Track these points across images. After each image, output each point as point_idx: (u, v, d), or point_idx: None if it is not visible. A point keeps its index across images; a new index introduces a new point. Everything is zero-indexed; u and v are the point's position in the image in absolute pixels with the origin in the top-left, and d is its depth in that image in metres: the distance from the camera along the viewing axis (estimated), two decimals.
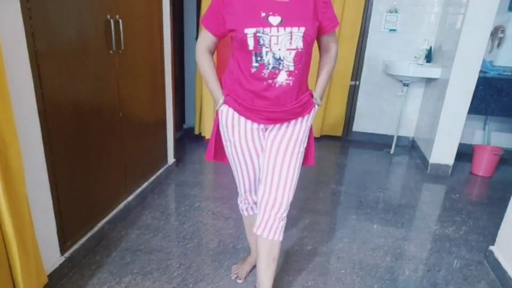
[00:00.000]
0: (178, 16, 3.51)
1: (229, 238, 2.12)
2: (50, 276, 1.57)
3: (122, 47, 1.97)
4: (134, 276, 1.77)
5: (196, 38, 1.43)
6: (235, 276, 1.80)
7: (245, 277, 1.79)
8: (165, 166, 2.83)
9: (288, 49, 1.24)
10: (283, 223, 1.45)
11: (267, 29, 1.20)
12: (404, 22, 3.53)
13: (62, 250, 1.70)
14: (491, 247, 2.00)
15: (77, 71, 1.67)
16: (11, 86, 1.23)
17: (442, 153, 3.13)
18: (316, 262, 1.95)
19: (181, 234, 2.14)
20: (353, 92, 3.83)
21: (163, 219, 2.29)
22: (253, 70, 1.27)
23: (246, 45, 1.22)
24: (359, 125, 3.98)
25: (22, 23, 1.33)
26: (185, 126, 4.06)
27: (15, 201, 1.24)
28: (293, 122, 1.40)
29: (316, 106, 1.44)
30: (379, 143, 3.86)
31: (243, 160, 1.46)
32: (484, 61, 3.02)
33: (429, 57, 3.42)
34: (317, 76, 1.47)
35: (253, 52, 1.24)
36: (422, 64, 3.35)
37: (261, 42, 1.22)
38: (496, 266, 1.90)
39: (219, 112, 1.40)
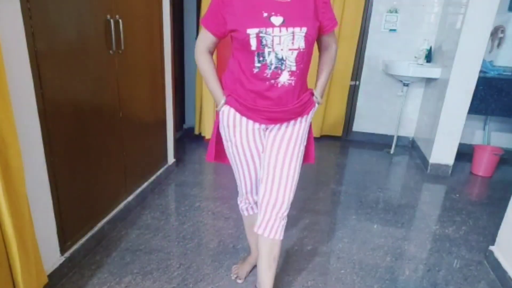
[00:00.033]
0: (178, 16, 3.51)
1: (229, 238, 2.12)
2: (50, 276, 1.57)
3: (122, 47, 1.97)
4: (134, 276, 1.77)
5: (196, 38, 1.42)
6: (235, 276, 1.80)
7: (245, 277, 1.79)
8: (165, 166, 2.83)
9: (290, 49, 1.24)
10: (284, 222, 1.45)
11: (269, 29, 1.21)
12: (404, 22, 3.53)
13: (62, 250, 1.70)
14: (491, 247, 2.00)
15: (77, 71, 1.67)
16: (11, 86, 1.23)
17: (442, 153, 3.13)
18: (316, 262, 1.95)
19: (181, 234, 2.14)
20: (353, 92, 3.83)
21: (163, 219, 2.29)
22: (256, 70, 1.27)
23: (249, 45, 1.22)
24: (359, 125, 3.98)
25: (22, 23, 1.33)
26: (185, 126, 4.06)
27: (15, 201, 1.24)
28: (293, 121, 1.40)
29: (316, 104, 1.44)
30: (379, 143, 3.86)
31: (244, 160, 1.46)
32: (484, 61, 3.02)
33: (429, 57, 3.42)
34: (317, 75, 1.48)
35: (256, 53, 1.24)
36: (422, 64, 3.35)
37: (264, 42, 1.22)
38: (496, 266, 1.90)
39: (220, 112, 1.40)
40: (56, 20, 1.50)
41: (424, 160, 3.32)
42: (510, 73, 3.14)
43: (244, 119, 1.38)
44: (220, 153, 1.55)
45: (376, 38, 3.64)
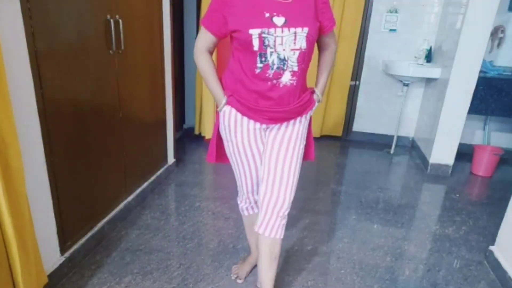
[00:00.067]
0: (178, 16, 3.52)
1: (229, 238, 2.12)
2: (50, 276, 1.57)
3: (122, 47, 1.97)
4: (134, 276, 1.77)
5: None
6: (235, 276, 1.80)
7: (245, 277, 1.79)
8: (165, 166, 2.83)
9: (292, 49, 1.25)
10: (284, 222, 1.46)
11: (272, 30, 1.21)
12: (404, 22, 3.53)
13: (62, 250, 1.70)
14: (491, 247, 2.00)
15: (77, 71, 1.67)
16: (11, 86, 1.23)
17: (442, 153, 3.13)
18: (316, 262, 1.95)
19: (181, 234, 2.14)
20: (353, 92, 3.83)
21: (163, 219, 2.29)
22: (258, 70, 1.27)
23: (251, 46, 1.22)
24: (359, 125, 3.98)
25: (22, 23, 1.33)
26: (185, 126, 4.06)
27: (15, 201, 1.24)
28: (293, 121, 1.41)
29: (316, 103, 1.45)
30: (379, 143, 3.86)
31: (245, 160, 1.46)
32: (484, 61, 3.02)
33: (429, 57, 3.42)
34: (318, 74, 1.49)
35: (258, 53, 1.24)
36: (422, 64, 3.35)
37: (266, 42, 1.22)
38: (496, 266, 1.90)
39: (221, 112, 1.40)
40: (56, 20, 1.50)
41: (424, 160, 3.32)
42: (510, 73, 3.13)
43: (245, 119, 1.38)
44: (221, 154, 1.55)
45: (376, 38, 3.64)
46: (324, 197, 2.71)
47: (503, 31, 3.27)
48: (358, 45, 3.64)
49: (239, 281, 1.77)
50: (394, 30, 3.57)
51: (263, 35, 1.21)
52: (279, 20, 1.21)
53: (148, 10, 2.29)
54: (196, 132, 3.82)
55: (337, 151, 3.77)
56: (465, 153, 3.33)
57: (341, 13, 3.47)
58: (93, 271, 1.79)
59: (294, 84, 1.31)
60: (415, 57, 3.47)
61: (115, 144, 2.08)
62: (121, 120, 2.09)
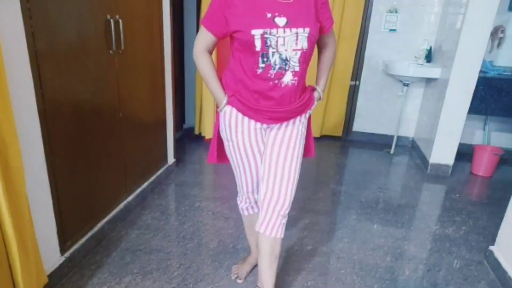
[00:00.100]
0: (178, 16, 3.52)
1: (229, 238, 2.12)
2: (50, 276, 1.57)
3: (122, 47, 1.97)
4: (134, 276, 1.77)
5: None
6: (235, 276, 1.80)
7: (245, 277, 1.79)
8: (165, 166, 2.83)
9: (294, 50, 1.25)
10: (284, 221, 1.46)
11: (274, 30, 1.21)
12: (404, 22, 3.53)
13: (62, 250, 1.70)
14: (491, 247, 2.00)
15: (77, 71, 1.67)
16: (11, 86, 1.23)
17: (442, 153, 3.13)
18: (316, 262, 1.95)
19: (181, 234, 2.14)
20: (353, 92, 3.83)
21: (163, 219, 2.29)
22: (259, 71, 1.27)
23: (253, 46, 1.22)
24: (359, 125, 3.98)
25: (22, 23, 1.33)
26: (185, 126, 4.06)
27: (15, 201, 1.24)
28: (293, 120, 1.41)
29: (316, 101, 1.46)
30: (379, 143, 3.86)
31: (246, 160, 1.46)
32: (484, 61, 3.02)
33: (429, 57, 3.42)
34: (318, 72, 1.50)
35: (260, 53, 1.24)
36: (422, 64, 3.35)
37: (268, 43, 1.22)
38: (496, 266, 1.90)
39: (222, 112, 1.40)
40: (56, 20, 1.50)
41: (424, 160, 3.32)
42: (510, 73, 3.13)
43: (246, 119, 1.38)
44: (222, 154, 1.55)
45: (376, 38, 3.64)
46: (324, 197, 2.71)
47: (503, 31, 3.27)
48: (358, 45, 3.64)
49: (239, 281, 1.77)
50: (394, 30, 3.57)
51: (266, 35, 1.21)
52: (281, 21, 1.22)
53: (148, 10, 2.29)
54: (196, 132, 3.82)
55: (337, 151, 3.77)
56: (465, 153, 3.33)
57: (341, 13, 3.47)
58: (93, 271, 1.79)
59: (296, 84, 1.32)
60: (415, 57, 3.47)
61: (115, 144, 2.08)
62: (121, 120, 2.09)
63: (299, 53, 1.26)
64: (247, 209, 1.67)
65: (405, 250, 2.09)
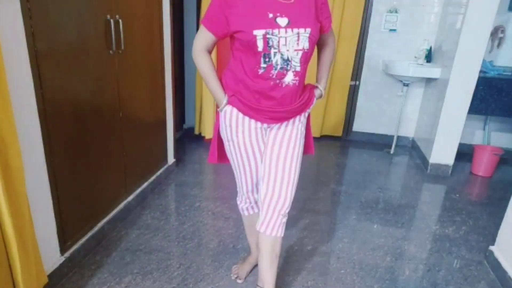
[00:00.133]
0: (178, 16, 3.52)
1: (229, 238, 2.12)
2: (50, 276, 1.57)
3: (122, 47, 1.97)
4: (134, 276, 1.77)
5: None
6: (235, 276, 1.80)
7: (245, 277, 1.79)
8: (165, 166, 2.83)
9: (295, 50, 1.26)
10: (285, 220, 1.47)
11: (276, 31, 1.21)
12: (404, 22, 3.53)
13: (62, 250, 1.70)
14: (491, 247, 2.00)
15: (77, 71, 1.67)
16: (11, 86, 1.23)
17: (442, 153, 3.13)
18: (316, 262, 1.95)
19: (181, 234, 2.14)
20: (353, 92, 3.83)
21: (163, 219, 2.29)
22: (261, 71, 1.27)
23: (255, 46, 1.22)
24: (359, 125, 3.98)
25: (22, 23, 1.33)
26: (185, 126, 4.06)
27: (15, 201, 1.24)
28: (292, 119, 1.42)
29: (315, 100, 1.47)
30: (379, 143, 3.86)
31: (246, 159, 1.46)
32: (484, 61, 3.02)
33: (429, 57, 3.42)
34: (319, 70, 1.51)
35: (262, 54, 1.24)
36: (422, 64, 3.35)
37: (270, 43, 1.22)
38: (496, 266, 1.90)
39: (222, 112, 1.40)
40: (56, 20, 1.50)
41: (424, 160, 3.32)
42: (510, 73, 3.13)
43: (246, 118, 1.38)
44: (222, 154, 1.55)
45: (376, 38, 3.64)
46: (324, 197, 2.71)
47: (503, 31, 3.27)
48: (358, 45, 3.64)
49: (239, 281, 1.77)
50: (394, 30, 3.57)
51: (268, 35, 1.21)
52: (282, 21, 1.22)
53: (148, 10, 2.29)
54: (196, 132, 3.82)
55: (337, 151, 3.77)
56: (465, 153, 3.33)
57: (341, 13, 3.47)
58: (93, 271, 1.79)
59: (297, 84, 1.32)
60: (415, 57, 3.47)
61: (115, 144, 2.08)
62: (121, 120, 2.09)
63: (300, 53, 1.27)
64: (247, 209, 1.67)
65: (405, 250, 2.09)
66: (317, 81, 1.51)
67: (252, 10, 1.22)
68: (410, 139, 3.87)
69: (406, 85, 3.48)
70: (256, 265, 1.81)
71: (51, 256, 1.64)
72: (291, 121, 1.42)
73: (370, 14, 3.56)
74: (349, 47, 3.62)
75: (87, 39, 1.73)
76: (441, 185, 3.01)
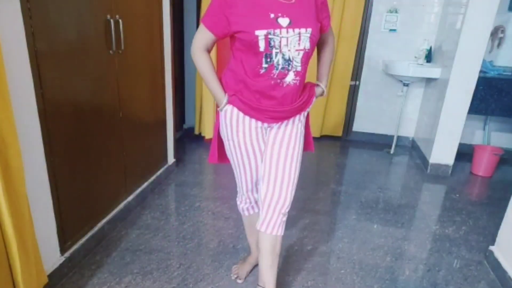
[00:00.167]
0: (178, 16, 3.51)
1: (229, 238, 2.12)
2: (50, 276, 1.57)
3: (122, 47, 1.97)
4: (134, 276, 1.77)
5: None
6: (235, 276, 1.80)
7: (245, 277, 1.79)
8: (165, 166, 2.83)
9: (297, 50, 1.26)
10: (285, 218, 1.48)
11: (277, 31, 1.21)
12: (404, 22, 3.53)
13: (62, 250, 1.70)
14: (491, 247, 2.00)
15: (77, 71, 1.67)
16: (11, 86, 1.23)
17: (442, 153, 3.13)
18: (316, 262, 1.95)
19: (181, 234, 2.14)
20: (353, 92, 3.83)
21: (163, 219, 2.29)
22: (262, 71, 1.27)
23: (257, 46, 1.22)
24: (359, 125, 3.98)
25: (22, 23, 1.33)
26: (185, 126, 4.06)
27: (15, 201, 1.24)
28: (292, 119, 1.42)
29: (315, 98, 1.48)
30: (379, 143, 3.86)
31: (246, 158, 1.46)
32: (484, 61, 3.02)
33: (429, 57, 3.42)
34: (320, 68, 1.52)
35: (264, 54, 1.24)
36: (422, 64, 3.35)
37: (272, 43, 1.22)
38: (496, 266, 1.90)
39: (223, 111, 1.40)
40: (56, 20, 1.50)
41: (424, 160, 3.32)
42: (510, 73, 3.13)
43: (247, 118, 1.38)
44: (223, 154, 1.55)
45: (376, 38, 3.64)
46: (324, 197, 2.71)
47: (503, 31, 3.27)
48: (358, 45, 3.64)
49: (239, 281, 1.77)
50: (394, 30, 3.57)
51: (269, 36, 1.21)
52: (284, 21, 1.22)
53: (148, 10, 2.29)
54: (196, 132, 3.82)
55: (337, 151, 3.77)
56: (465, 153, 3.33)
57: (341, 13, 3.47)
58: (93, 271, 1.79)
59: (297, 84, 1.33)
60: (415, 57, 3.47)
61: (115, 144, 2.08)
62: (121, 120, 2.09)
63: (301, 53, 1.27)
64: (247, 209, 1.67)
65: (405, 250, 2.09)
66: (318, 79, 1.52)
67: (253, 10, 1.22)
68: (410, 139, 3.87)
69: (406, 85, 3.48)
70: (256, 265, 1.81)
71: (51, 256, 1.64)
72: (291, 120, 1.42)
73: (370, 14, 3.56)
74: (349, 47, 3.62)
75: (87, 39, 1.73)
76: (441, 185, 3.01)
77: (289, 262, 1.94)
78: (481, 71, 2.92)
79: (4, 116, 1.17)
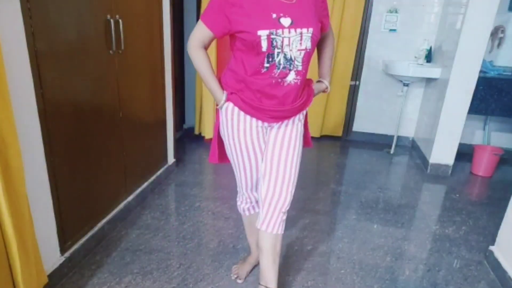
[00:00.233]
0: (178, 16, 3.51)
1: (229, 238, 2.12)
2: (50, 276, 1.57)
3: (122, 47, 1.97)
4: (134, 276, 1.77)
5: None
6: (235, 276, 1.80)
7: (245, 277, 1.79)
8: (165, 166, 2.83)
9: (298, 50, 1.26)
10: (284, 217, 1.48)
11: (279, 31, 1.21)
12: (404, 22, 3.53)
13: (62, 250, 1.70)
14: (491, 247, 2.00)
15: (77, 71, 1.67)
16: (11, 86, 1.23)
17: (442, 153, 3.13)
18: (316, 262, 1.95)
19: (181, 234, 2.14)
20: (353, 92, 3.83)
21: (163, 219, 2.29)
22: (264, 70, 1.27)
23: (259, 46, 1.22)
24: (359, 125, 3.98)
25: (22, 23, 1.33)
26: (185, 126, 4.06)
27: (15, 201, 1.24)
28: (292, 118, 1.43)
29: (313, 96, 1.48)
30: (379, 143, 3.86)
31: (246, 158, 1.46)
32: (484, 61, 3.02)
33: (429, 57, 3.42)
34: (321, 65, 1.53)
35: (266, 54, 1.24)
36: (422, 64, 3.35)
37: (274, 43, 1.22)
38: (496, 266, 1.90)
39: (223, 109, 1.40)
40: (56, 20, 1.50)
41: (424, 160, 3.32)
42: (510, 73, 3.13)
43: (247, 117, 1.38)
44: (223, 154, 1.55)
45: (376, 38, 3.64)
46: (324, 197, 2.71)
47: (503, 31, 3.27)
48: (358, 45, 3.64)
49: (239, 281, 1.77)
50: (394, 30, 3.57)
51: (272, 36, 1.21)
52: (286, 21, 1.22)
53: (148, 10, 2.29)
54: (196, 132, 3.82)
55: (337, 151, 3.77)
56: (465, 153, 3.33)
57: (341, 13, 3.47)
58: (93, 271, 1.79)
59: (298, 83, 1.33)
60: (415, 57, 3.47)
61: (115, 144, 2.08)
62: (121, 120, 2.09)
63: (303, 53, 1.27)
64: (247, 209, 1.67)
65: (405, 250, 2.09)
66: (321, 76, 1.53)
67: (255, 10, 1.22)
68: (410, 139, 3.87)
69: (406, 85, 3.48)
70: (256, 265, 1.81)
71: (51, 256, 1.64)
72: (291, 120, 1.42)
73: (370, 14, 3.56)
74: (349, 47, 3.62)
75: (87, 39, 1.72)
76: (441, 185, 3.01)
77: (289, 262, 1.94)
78: (481, 71, 2.92)
79: (4, 116, 1.17)
